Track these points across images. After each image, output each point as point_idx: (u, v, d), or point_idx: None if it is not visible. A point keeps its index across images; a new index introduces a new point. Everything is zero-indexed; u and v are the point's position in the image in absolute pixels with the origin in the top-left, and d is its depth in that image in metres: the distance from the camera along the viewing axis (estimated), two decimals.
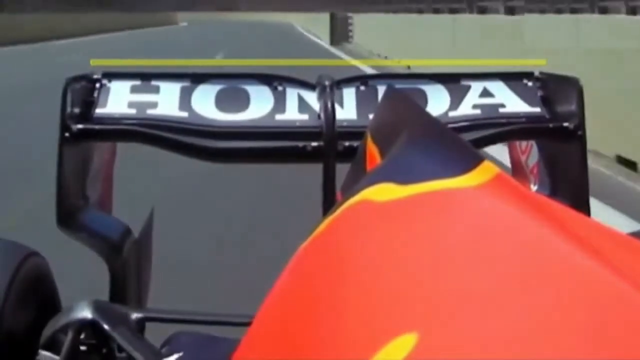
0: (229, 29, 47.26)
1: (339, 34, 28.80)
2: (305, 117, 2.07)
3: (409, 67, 15.98)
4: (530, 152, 2.26)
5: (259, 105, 2.08)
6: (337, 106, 2.06)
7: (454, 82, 2.14)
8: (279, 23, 54.91)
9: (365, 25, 27.47)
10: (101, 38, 38.26)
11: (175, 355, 1.76)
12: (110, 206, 2.30)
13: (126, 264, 2.14)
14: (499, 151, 2.40)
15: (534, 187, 2.21)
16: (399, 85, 2.08)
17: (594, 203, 2.08)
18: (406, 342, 0.90)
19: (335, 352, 0.99)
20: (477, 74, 2.18)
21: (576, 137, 2.04)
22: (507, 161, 2.38)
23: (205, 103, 2.07)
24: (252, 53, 22.82)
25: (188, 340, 1.85)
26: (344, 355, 0.97)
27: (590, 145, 2.06)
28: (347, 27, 28.82)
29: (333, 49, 27.21)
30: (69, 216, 2.02)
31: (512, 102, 2.10)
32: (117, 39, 38.13)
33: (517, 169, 2.32)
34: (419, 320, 0.93)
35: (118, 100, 2.07)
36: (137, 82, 2.11)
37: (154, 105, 2.06)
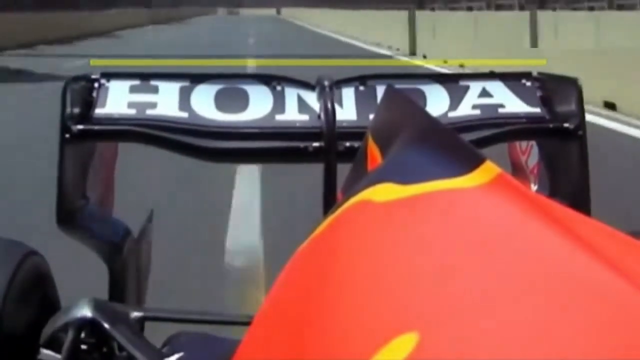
0: (245, 17, 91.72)
1: (279, 13, 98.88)
2: (305, 117, 2.06)
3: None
4: (531, 152, 2.26)
5: (259, 105, 2.08)
6: (336, 106, 2.06)
7: (453, 82, 2.14)
8: (265, 13, 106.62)
9: (290, 11, 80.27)
10: (192, 19, 73.68)
11: (176, 355, 1.76)
12: (111, 206, 2.30)
13: (126, 264, 2.14)
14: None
15: (534, 187, 2.21)
16: (398, 85, 2.07)
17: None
18: (407, 341, 0.90)
19: (336, 351, 0.99)
20: (475, 74, 2.19)
21: (576, 137, 2.04)
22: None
23: (205, 103, 2.07)
24: (258, 21, 60.81)
25: (188, 340, 1.85)
26: (344, 355, 0.97)
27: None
28: (280, 11, 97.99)
29: (276, 15, 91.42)
30: (69, 216, 2.02)
31: (511, 103, 2.10)
32: (197, 20, 73.68)
33: (517, 170, 2.32)
34: (420, 320, 0.93)
35: (117, 100, 2.07)
36: (136, 82, 2.11)
37: (153, 105, 2.06)
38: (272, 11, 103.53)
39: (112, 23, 42.58)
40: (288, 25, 58.03)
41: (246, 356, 1.21)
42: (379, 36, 28.41)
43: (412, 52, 23.63)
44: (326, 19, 46.38)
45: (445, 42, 21.20)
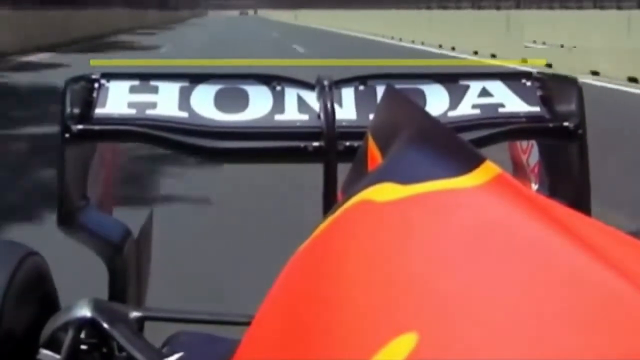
0: (232, 15, 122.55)
1: (256, 12, 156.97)
2: (305, 117, 2.06)
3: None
4: (531, 151, 2.26)
5: (259, 105, 2.08)
6: (336, 106, 2.06)
7: (453, 82, 2.13)
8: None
9: (263, 12, 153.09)
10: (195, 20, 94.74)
11: (176, 355, 1.76)
12: (111, 207, 2.30)
13: (126, 264, 2.14)
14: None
15: (534, 187, 2.21)
16: (398, 85, 2.07)
17: None
18: (407, 341, 0.90)
19: (336, 352, 0.98)
20: (475, 73, 2.18)
21: (576, 136, 2.04)
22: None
23: (205, 103, 2.07)
24: (246, 17, 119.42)
25: (188, 340, 1.85)
26: (344, 355, 0.97)
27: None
28: (257, 12, 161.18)
29: (254, 15, 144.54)
30: (69, 216, 2.02)
31: (511, 102, 2.10)
32: (205, 19, 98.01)
33: (518, 169, 2.32)
34: (420, 320, 0.93)
35: (117, 100, 2.07)
36: (136, 83, 2.11)
37: (153, 105, 2.06)
38: (251, 11, 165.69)
39: (176, 17, 78.92)
40: (263, 19, 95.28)
41: (246, 356, 1.21)
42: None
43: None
44: (285, 16, 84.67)
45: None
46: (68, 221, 2.02)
